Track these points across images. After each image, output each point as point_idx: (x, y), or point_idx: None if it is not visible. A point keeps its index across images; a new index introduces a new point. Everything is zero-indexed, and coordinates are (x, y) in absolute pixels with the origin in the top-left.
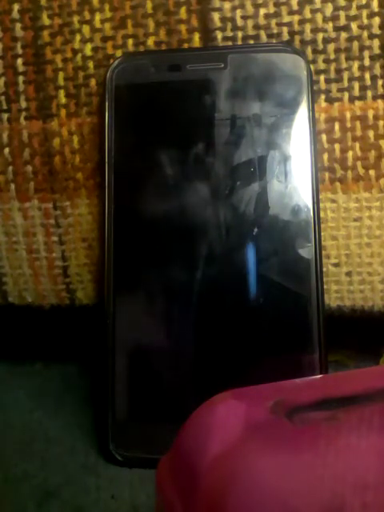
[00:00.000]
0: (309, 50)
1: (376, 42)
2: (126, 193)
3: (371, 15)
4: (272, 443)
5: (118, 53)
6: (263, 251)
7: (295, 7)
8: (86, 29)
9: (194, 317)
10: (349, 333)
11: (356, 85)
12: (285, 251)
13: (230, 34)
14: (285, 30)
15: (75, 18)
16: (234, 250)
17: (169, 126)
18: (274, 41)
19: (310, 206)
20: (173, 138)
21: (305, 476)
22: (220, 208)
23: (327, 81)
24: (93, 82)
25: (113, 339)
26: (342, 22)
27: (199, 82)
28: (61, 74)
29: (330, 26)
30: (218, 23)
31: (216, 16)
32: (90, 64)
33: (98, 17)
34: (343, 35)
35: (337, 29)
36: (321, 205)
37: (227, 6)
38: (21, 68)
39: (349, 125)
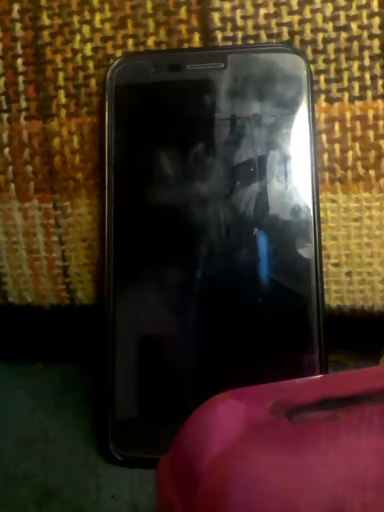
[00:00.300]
0: (309, 50)
1: (376, 42)
2: (126, 193)
3: (371, 15)
4: (272, 443)
5: (118, 53)
6: (263, 251)
7: (295, 7)
8: (86, 29)
9: (193, 317)
10: (349, 333)
11: (356, 85)
12: (285, 251)
13: (230, 34)
14: (285, 30)
15: (75, 18)
16: (233, 249)
17: (169, 126)
18: (274, 41)
19: (310, 205)
20: (173, 138)
21: (305, 476)
22: (220, 208)
23: (327, 81)
24: (93, 82)
25: (113, 339)
26: (342, 22)
27: (199, 82)
28: (61, 74)
29: (330, 25)
30: (217, 23)
31: (216, 16)
32: (90, 64)
33: (98, 17)
34: (343, 35)
35: (337, 29)
36: (321, 205)
37: (227, 6)
38: (21, 68)
39: (349, 125)
